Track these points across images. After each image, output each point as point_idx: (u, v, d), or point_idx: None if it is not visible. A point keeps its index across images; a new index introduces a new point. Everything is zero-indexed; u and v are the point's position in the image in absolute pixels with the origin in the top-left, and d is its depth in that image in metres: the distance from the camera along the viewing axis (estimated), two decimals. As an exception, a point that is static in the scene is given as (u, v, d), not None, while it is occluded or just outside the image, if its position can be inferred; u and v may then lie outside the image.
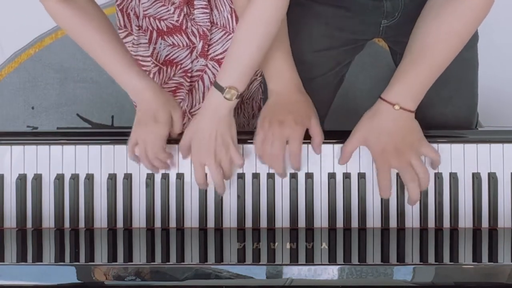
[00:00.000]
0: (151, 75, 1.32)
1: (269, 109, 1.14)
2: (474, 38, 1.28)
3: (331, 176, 1.13)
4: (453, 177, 1.12)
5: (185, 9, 1.26)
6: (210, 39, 1.29)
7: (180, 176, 1.14)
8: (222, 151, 1.09)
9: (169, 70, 1.33)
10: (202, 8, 1.26)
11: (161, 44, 1.31)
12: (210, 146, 1.09)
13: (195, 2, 1.25)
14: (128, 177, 1.14)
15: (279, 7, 1.07)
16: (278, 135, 1.10)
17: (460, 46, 1.09)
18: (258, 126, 1.12)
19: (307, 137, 1.12)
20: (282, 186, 1.13)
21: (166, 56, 1.32)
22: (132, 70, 1.14)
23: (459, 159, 1.13)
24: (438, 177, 1.12)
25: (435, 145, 1.13)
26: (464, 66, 1.27)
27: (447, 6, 1.07)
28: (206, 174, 1.11)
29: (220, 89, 1.08)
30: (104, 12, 1.17)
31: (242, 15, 1.08)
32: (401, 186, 1.12)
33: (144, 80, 1.14)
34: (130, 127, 1.15)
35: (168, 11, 1.27)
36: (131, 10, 1.29)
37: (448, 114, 1.28)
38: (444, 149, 1.13)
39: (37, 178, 1.14)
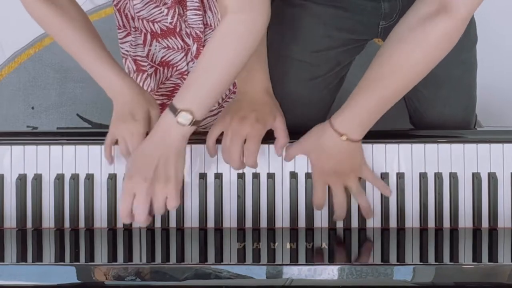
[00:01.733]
0: (147, 76, 1.32)
1: (233, 105, 1.12)
2: (473, 40, 1.28)
3: (331, 176, 1.12)
4: (453, 177, 1.12)
5: (177, 10, 1.25)
6: (205, 41, 1.28)
7: (180, 176, 1.14)
8: (159, 184, 1.00)
9: (165, 71, 1.33)
10: (194, 9, 1.24)
11: (156, 46, 1.30)
12: (147, 175, 0.99)
13: (188, 4, 1.24)
14: (128, 177, 1.14)
15: (254, 27, 0.99)
16: (237, 131, 1.07)
17: (416, 80, 1.05)
18: (218, 120, 1.11)
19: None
20: (282, 186, 1.13)
21: (162, 58, 1.31)
22: (110, 67, 1.12)
23: (459, 159, 1.13)
24: (438, 177, 1.12)
25: (435, 145, 1.13)
26: (462, 67, 1.27)
27: (414, 32, 1.01)
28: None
29: (174, 110, 0.98)
30: (84, 11, 1.16)
31: (213, 34, 1.02)
32: (401, 187, 1.12)
33: (121, 77, 1.13)
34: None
35: (161, 12, 1.26)
36: (128, 11, 1.29)
37: (446, 115, 1.28)
38: (444, 149, 1.13)
39: (37, 178, 1.14)
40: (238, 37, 0.99)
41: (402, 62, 1.03)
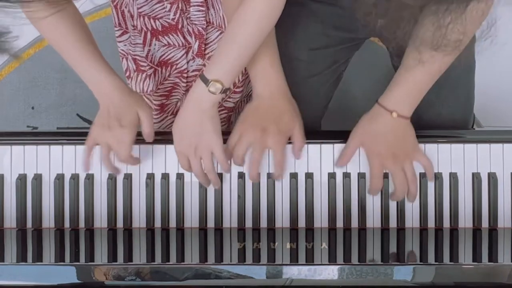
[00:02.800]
0: (146, 77, 1.32)
1: (252, 112, 1.12)
2: (472, 39, 1.28)
3: (331, 176, 1.13)
4: (453, 177, 1.12)
5: (180, 5, 1.25)
6: (207, 39, 1.28)
7: (180, 176, 1.14)
8: (202, 146, 1.07)
9: (164, 71, 1.33)
10: (198, 5, 1.24)
11: (155, 45, 1.30)
12: (191, 139, 1.07)
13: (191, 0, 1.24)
14: (128, 177, 1.14)
15: (274, 4, 1.05)
16: (259, 142, 1.09)
17: (458, 50, 1.09)
18: (238, 128, 1.11)
19: (308, 137, 1.12)
20: (282, 186, 1.13)
21: (161, 57, 1.31)
22: (99, 66, 1.11)
23: (459, 159, 1.13)
24: (438, 177, 1.12)
25: (434, 145, 1.13)
26: (461, 67, 1.27)
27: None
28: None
29: (205, 81, 1.05)
30: (76, 7, 1.15)
31: (237, 10, 1.06)
32: (401, 186, 1.12)
33: (110, 77, 1.12)
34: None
35: (164, 8, 1.25)
36: (125, 8, 1.28)
37: (444, 114, 1.28)
38: (444, 149, 1.13)
39: (37, 178, 1.14)
40: (259, 12, 1.03)
41: None
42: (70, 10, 1.13)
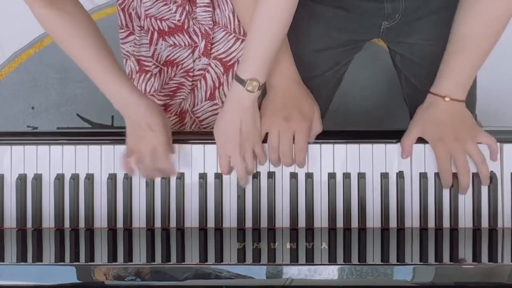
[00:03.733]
0: (152, 76, 1.32)
1: (271, 104, 1.13)
2: None
3: (331, 176, 1.13)
4: (453, 177, 1.12)
5: (187, 7, 1.26)
6: (213, 38, 1.29)
7: (180, 176, 1.14)
8: (246, 144, 1.10)
9: (169, 70, 1.33)
10: (204, 6, 1.25)
11: (162, 45, 1.31)
12: (235, 139, 1.10)
13: (197, 0, 1.25)
14: (128, 177, 1.14)
15: None
16: (286, 131, 1.11)
17: (502, 30, 1.10)
18: (266, 122, 1.12)
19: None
20: (282, 186, 1.13)
21: (167, 57, 1.32)
22: (122, 83, 1.12)
23: (459, 159, 1.13)
24: (438, 177, 1.12)
25: (435, 145, 1.13)
26: None
27: None
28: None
29: (241, 82, 1.08)
30: (92, 18, 1.15)
31: (257, 5, 1.07)
32: (401, 187, 1.12)
33: (133, 92, 1.13)
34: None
35: (170, 10, 1.27)
36: (133, 10, 1.29)
37: None
38: (444, 149, 1.13)
39: (37, 178, 1.14)
40: (278, 7, 1.05)
41: (490, 18, 1.09)
42: (89, 24, 1.14)
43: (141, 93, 1.15)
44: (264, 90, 1.14)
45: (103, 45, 1.14)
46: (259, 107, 1.13)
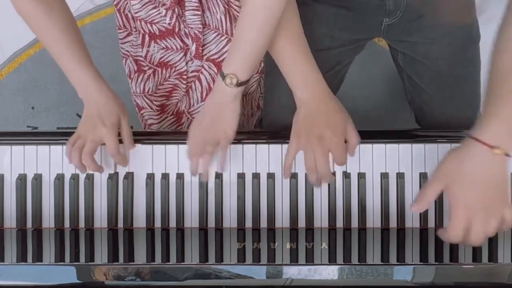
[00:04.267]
0: (147, 77, 1.32)
1: (302, 121, 1.10)
2: (476, 37, 1.28)
3: (331, 176, 1.12)
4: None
5: (177, 10, 1.25)
6: (204, 40, 1.28)
7: (180, 176, 1.14)
8: (211, 135, 1.10)
9: (163, 71, 1.33)
10: (193, 9, 1.24)
11: (154, 47, 1.30)
12: (207, 127, 1.10)
13: (186, 4, 1.24)
14: (128, 177, 1.14)
15: None
16: (321, 151, 1.07)
17: None
18: (293, 141, 1.09)
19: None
20: (282, 186, 1.13)
21: (160, 59, 1.31)
22: (87, 70, 1.14)
23: (459, 159, 1.12)
24: (438, 177, 1.12)
25: (435, 145, 1.13)
26: (466, 65, 1.27)
27: None
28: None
29: (222, 75, 1.08)
30: (68, 7, 1.17)
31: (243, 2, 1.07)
32: (401, 187, 1.12)
33: (97, 81, 1.14)
34: (131, 127, 1.16)
35: (159, 13, 1.26)
36: (128, 11, 1.29)
37: (451, 113, 1.28)
38: (444, 149, 1.13)
39: (37, 178, 1.14)
40: (265, 7, 1.05)
41: None
42: (64, 13, 1.15)
43: (107, 85, 1.16)
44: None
45: (73, 31, 1.15)
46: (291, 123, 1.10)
